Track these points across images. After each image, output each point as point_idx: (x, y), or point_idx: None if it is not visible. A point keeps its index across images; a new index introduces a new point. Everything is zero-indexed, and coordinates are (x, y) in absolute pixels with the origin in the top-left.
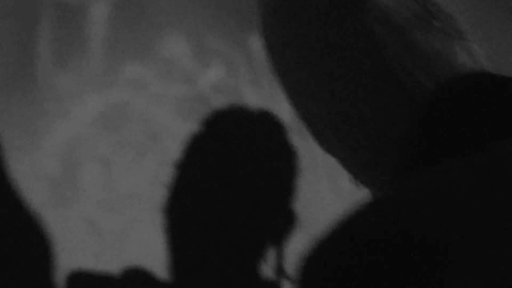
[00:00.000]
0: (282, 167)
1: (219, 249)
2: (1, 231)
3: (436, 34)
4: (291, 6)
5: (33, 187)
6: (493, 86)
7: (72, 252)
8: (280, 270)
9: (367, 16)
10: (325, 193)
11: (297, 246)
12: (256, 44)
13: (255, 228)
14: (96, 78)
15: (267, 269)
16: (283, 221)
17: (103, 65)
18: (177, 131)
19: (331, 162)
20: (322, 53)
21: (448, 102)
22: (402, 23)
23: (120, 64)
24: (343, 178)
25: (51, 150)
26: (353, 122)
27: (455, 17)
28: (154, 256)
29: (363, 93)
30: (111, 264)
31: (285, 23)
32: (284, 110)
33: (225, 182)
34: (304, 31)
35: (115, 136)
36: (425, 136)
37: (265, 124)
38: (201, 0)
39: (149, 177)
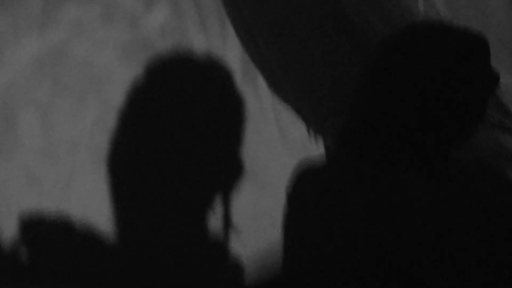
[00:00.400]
0: (230, 115)
1: (164, 199)
2: None
3: None
4: None
5: None
6: (447, 36)
7: (11, 202)
8: (227, 221)
9: None
10: (275, 143)
11: (246, 197)
12: None
13: (202, 178)
14: (33, 18)
15: (214, 219)
16: (231, 171)
17: (42, 4)
18: (119, 76)
19: (281, 110)
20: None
21: (402, 51)
22: None
23: (59, 4)
24: (293, 127)
25: None
26: (306, 66)
27: None
28: (96, 207)
29: (317, 36)
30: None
31: None
32: (233, 54)
33: (170, 130)
34: None
35: (54, 81)
36: (379, 84)
37: (212, 70)
38: None
39: (90, 124)
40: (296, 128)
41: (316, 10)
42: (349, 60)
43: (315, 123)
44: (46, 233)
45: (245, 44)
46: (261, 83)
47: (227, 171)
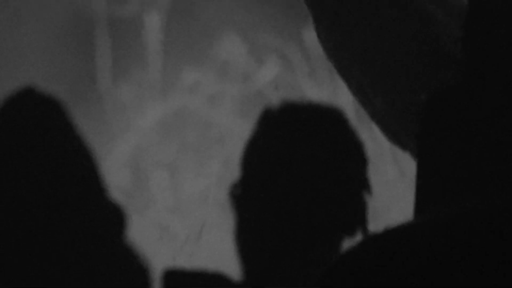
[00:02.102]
0: (350, 159)
1: (289, 246)
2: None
3: None
4: None
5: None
6: None
7: (148, 257)
8: None
9: None
10: (395, 183)
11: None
12: (310, 37)
13: (327, 224)
14: (155, 86)
15: None
16: (355, 214)
17: (161, 72)
18: (238, 131)
19: (399, 150)
20: (376, 41)
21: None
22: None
23: (177, 70)
24: (412, 166)
25: (119, 160)
26: (414, 110)
27: None
28: (226, 258)
29: (420, 78)
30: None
31: (336, 14)
32: (345, 101)
33: (293, 179)
34: (356, 19)
35: (179, 141)
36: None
37: (328, 117)
38: None
39: (216, 179)
40: (414, 166)
41: (417, 54)
42: (460, 96)
43: None
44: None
45: (356, 97)
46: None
47: (351, 215)
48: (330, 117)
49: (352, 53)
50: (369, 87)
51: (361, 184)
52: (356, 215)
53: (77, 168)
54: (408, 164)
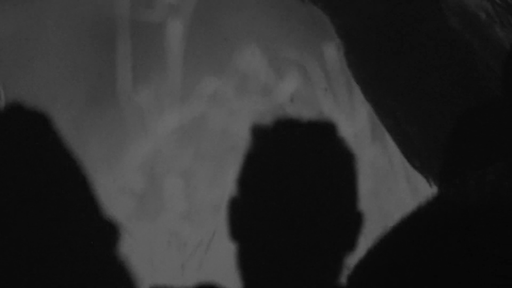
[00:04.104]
0: (363, 175)
1: (298, 259)
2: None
3: None
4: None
5: (118, 201)
6: None
7: (157, 263)
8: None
9: (445, 10)
10: (407, 200)
11: None
12: (331, 53)
13: (335, 237)
14: (174, 92)
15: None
16: (364, 228)
17: (181, 80)
18: (255, 143)
19: (410, 168)
20: (402, 58)
21: None
22: (481, 16)
23: (197, 79)
24: (425, 184)
25: (133, 164)
26: (444, 133)
27: None
28: (235, 270)
29: (444, 97)
30: (194, 275)
31: (359, 20)
32: (362, 119)
33: (304, 193)
34: (380, 32)
35: (195, 149)
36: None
37: (343, 134)
38: (274, 11)
39: (230, 189)
40: (427, 184)
41: (443, 72)
42: (477, 117)
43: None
44: None
45: (385, 122)
46: (390, 141)
47: (360, 229)
48: (345, 133)
49: (386, 83)
50: (403, 116)
51: (372, 200)
52: (365, 230)
53: (67, 179)
54: (421, 182)
